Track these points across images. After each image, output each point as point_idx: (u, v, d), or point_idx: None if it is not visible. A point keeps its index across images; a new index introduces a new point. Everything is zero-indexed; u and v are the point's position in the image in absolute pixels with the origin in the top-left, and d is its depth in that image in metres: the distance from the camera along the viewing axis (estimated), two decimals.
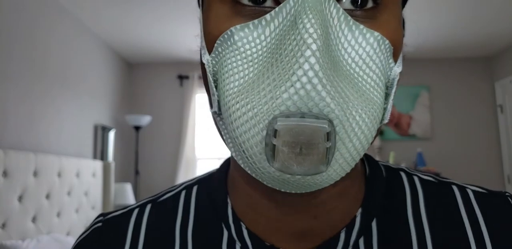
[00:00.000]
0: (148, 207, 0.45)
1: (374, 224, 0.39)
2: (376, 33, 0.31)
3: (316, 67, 0.27)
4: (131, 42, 4.01)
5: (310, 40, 0.27)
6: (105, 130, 3.77)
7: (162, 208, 0.44)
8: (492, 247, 0.37)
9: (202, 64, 0.35)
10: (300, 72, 0.27)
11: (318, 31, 0.27)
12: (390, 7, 0.33)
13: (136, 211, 0.44)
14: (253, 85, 0.30)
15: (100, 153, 3.64)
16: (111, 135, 3.93)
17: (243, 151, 0.30)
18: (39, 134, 2.69)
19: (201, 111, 4.63)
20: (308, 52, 0.27)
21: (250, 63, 0.31)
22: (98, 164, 3.26)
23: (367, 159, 0.43)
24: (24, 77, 2.54)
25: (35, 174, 2.37)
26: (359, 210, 0.39)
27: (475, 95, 4.60)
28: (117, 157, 4.12)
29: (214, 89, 0.33)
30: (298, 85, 0.27)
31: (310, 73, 0.27)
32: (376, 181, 0.41)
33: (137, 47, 4.16)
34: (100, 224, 0.44)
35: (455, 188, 0.42)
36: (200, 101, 4.64)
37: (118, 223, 0.44)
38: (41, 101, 2.73)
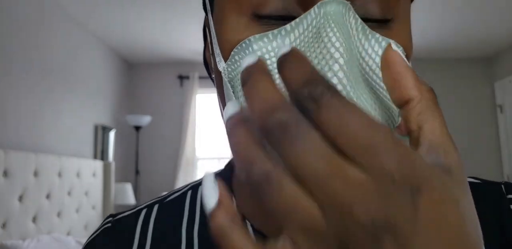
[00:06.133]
0: (156, 207, 0.46)
1: None
2: (391, 41, 0.32)
3: (344, 81, 0.27)
4: (131, 42, 4.02)
5: (337, 55, 0.27)
6: (105, 130, 3.78)
7: (169, 208, 0.45)
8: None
9: (218, 72, 0.35)
10: None
11: (344, 44, 0.28)
12: (402, 15, 0.34)
13: (144, 211, 0.46)
14: None
15: (100, 153, 3.65)
16: (112, 135, 3.94)
17: None
18: (39, 134, 2.70)
19: (201, 111, 4.64)
20: (336, 67, 0.27)
21: (271, 73, 0.31)
22: (98, 164, 3.27)
23: None
24: (24, 78, 2.55)
25: (36, 174, 2.37)
26: None
27: (474, 95, 4.60)
28: (117, 157, 4.13)
29: (233, 97, 0.33)
30: None
31: (339, 87, 0.27)
32: None
33: (137, 47, 4.17)
34: (109, 224, 0.45)
35: None
36: (200, 101, 4.65)
37: (127, 223, 0.45)
38: (42, 101, 2.74)
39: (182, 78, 4.62)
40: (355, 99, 0.28)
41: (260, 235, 0.39)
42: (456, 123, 4.56)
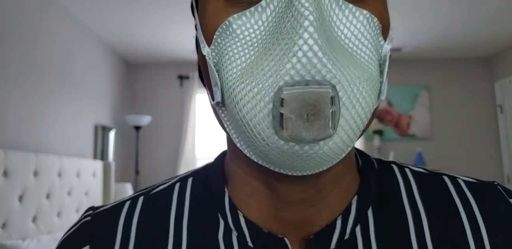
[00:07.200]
0: (141, 199, 0.44)
1: (370, 213, 0.39)
2: (364, 11, 0.33)
3: (315, 35, 0.28)
4: (131, 42, 4.01)
5: (307, 12, 0.28)
6: (105, 130, 3.78)
7: (156, 200, 0.43)
8: (487, 234, 0.38)
9: (203, 58, 0.36)
10: (300, 42, 0.28)
11: (313, 5, 0.29)
12: None
13: (127, 203, 0.44)
14: (256, 65, 0.31)
15: (100, 153, 3.65)
16: (111, 135, 3.94)
17: (250, 129, 0.31)
18: (39, 134, 2.69)
19: (201, 111, 4.64)
20: (306, 23, 0.28)
21: (251, 48, 0.32)
22: (98, 164, 3.26)
23: (359, 153, 0.45)
24: (25, 77, 2.55)
25: (36, 174, 2.37)
26: (355, 198, 0.39)
27: (474, 95, 4.60)
28: (117, 157, 4.13)
29: (217, 78, 0.33)
30: (299, 54, 0.28)
31: (310, 41, 0.28)
32: (369, 172, 0.42)
33: (137, 47, 4.17)
34: (89, 217, 0.43)
35: (446, 178, 0.43)
36: (200, 101, 4.65)
37: (108, 216, 0.42)
38: (42, 101, 2.74)
39: (182, 78, 4.62)
40: (329, 53, 0.29)
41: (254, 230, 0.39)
42: (456, 123, 4.56)
